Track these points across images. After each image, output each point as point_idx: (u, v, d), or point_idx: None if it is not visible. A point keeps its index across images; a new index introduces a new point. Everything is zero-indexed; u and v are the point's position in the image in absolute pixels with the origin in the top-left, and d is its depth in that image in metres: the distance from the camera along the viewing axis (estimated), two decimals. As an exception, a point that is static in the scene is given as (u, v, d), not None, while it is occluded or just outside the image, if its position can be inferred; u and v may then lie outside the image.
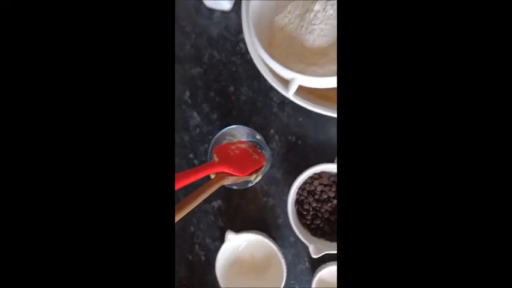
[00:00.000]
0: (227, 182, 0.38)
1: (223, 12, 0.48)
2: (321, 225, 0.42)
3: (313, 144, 0.46)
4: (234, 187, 0.39)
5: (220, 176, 0.38)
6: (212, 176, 0.39)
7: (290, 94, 0.35)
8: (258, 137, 0.40)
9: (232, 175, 0.39)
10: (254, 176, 0.40)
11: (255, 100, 0.47)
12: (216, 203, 0.47)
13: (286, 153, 0.47)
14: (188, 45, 0.49)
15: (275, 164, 0.47)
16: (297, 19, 0.38)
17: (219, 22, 0.49)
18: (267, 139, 0.47)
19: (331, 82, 0.34)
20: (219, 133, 0.40)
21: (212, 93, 0.48)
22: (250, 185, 0.39)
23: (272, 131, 0.47)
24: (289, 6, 0.39)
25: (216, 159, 0.38)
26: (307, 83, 0.34)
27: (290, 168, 0.47)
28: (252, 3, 0.38)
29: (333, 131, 0.46)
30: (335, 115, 0.37)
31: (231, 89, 0.48)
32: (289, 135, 0.47)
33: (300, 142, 0.47)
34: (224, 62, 0.48)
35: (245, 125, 0.47)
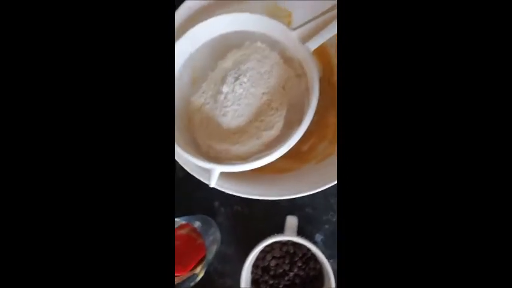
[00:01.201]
0: None
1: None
2: (282, 302, 0.39)
3: (259, 211, 0.43)
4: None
5: None
6: None
7: (212, 184, 0.32)
8: (196, 225, 0.37)
9: None
10: (199, 267, 0.37)
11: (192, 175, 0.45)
12: (171, 294, 0.44)
13: (235, 226, 0.44)
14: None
15: (224, 239, 0.44)
16: (211, 99, 0.36)
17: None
18: (214, 213, 0.44)
19: (255, 164, 0.32)
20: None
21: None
22: (193, 284, 0.35)
23: (216, 203, 0.44)
24: (203, 85, 0.37)
25: None
26: (230, 169, 0.32)
27: (241, 241, 0.44)
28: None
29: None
30: (268, 197, 0.35)
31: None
32: (234, 205, 0.44)
33: (246, 211, 0.44)
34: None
35: (188, 202, 0.44)
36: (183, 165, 0.36)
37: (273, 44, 0.37)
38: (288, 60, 0.37)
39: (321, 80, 0.43)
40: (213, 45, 0.37)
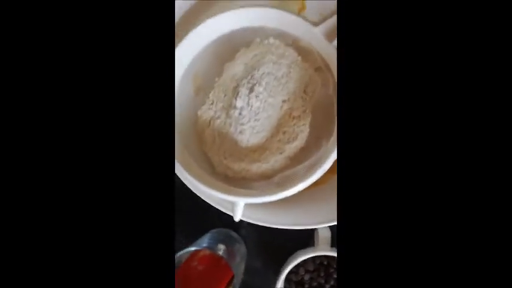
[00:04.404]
0: None
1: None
2: (320, 318, 0.37)
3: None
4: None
5: None
6: None
7: (237, 218, 0.29)
8: (221, 252, 0.34)
9: None
10: None
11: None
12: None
13: (259, 237, 0.41)
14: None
15: (250, 252, 0.41)
16: (222, 113, 0.31)
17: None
18: (236, 225, 0.41)
19: (285, 194, 0.27)
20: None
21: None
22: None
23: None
24: (210, 95, 0.32)
25: None
26: (256, 201, 0.27)
27: (268, 252, 0.41)
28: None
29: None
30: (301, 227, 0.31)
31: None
32: (257, 216, 0.41)
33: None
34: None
35: (206, 216, 0.41)
36: (203, 198, 0.32)
37: (284, 36, 0.31)
38: (304, 53, 0.32)
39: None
40: (216, 46, 0.32)
